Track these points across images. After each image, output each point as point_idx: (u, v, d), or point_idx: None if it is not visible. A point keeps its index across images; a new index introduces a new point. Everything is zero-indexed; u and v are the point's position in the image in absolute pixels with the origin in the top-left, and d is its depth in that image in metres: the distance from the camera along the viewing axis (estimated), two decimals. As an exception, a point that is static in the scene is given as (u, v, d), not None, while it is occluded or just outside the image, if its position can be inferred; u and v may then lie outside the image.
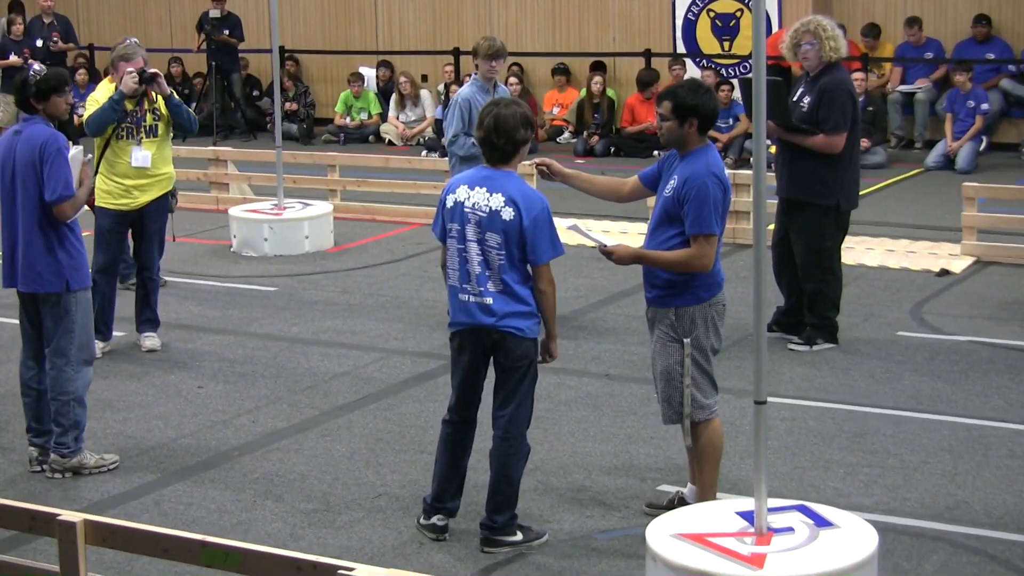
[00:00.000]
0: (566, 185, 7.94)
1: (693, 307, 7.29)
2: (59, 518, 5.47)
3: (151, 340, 11.01)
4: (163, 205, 10.89)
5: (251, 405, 9.70)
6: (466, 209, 7.10)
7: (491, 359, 7.29)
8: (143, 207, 10.73)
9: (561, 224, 8.11)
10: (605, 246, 7.33)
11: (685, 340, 7.31)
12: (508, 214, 7.04)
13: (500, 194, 7.07)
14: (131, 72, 10.42)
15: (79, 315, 8.37)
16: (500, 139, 7.13)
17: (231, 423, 9.35)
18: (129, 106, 10.56)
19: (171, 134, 10.87)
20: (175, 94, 10.94)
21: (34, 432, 8.59)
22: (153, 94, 10.63)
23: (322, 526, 7.66)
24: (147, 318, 11.05)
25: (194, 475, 8.45)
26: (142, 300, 11.01)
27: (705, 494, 7.49)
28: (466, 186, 7.17)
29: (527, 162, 8.08)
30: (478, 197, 7.10)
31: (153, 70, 10.63)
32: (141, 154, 10.59)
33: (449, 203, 7.19)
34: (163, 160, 10.79)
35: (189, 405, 9.73)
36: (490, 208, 7.06)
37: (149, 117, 10.63)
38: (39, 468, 8.53)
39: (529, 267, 7.14)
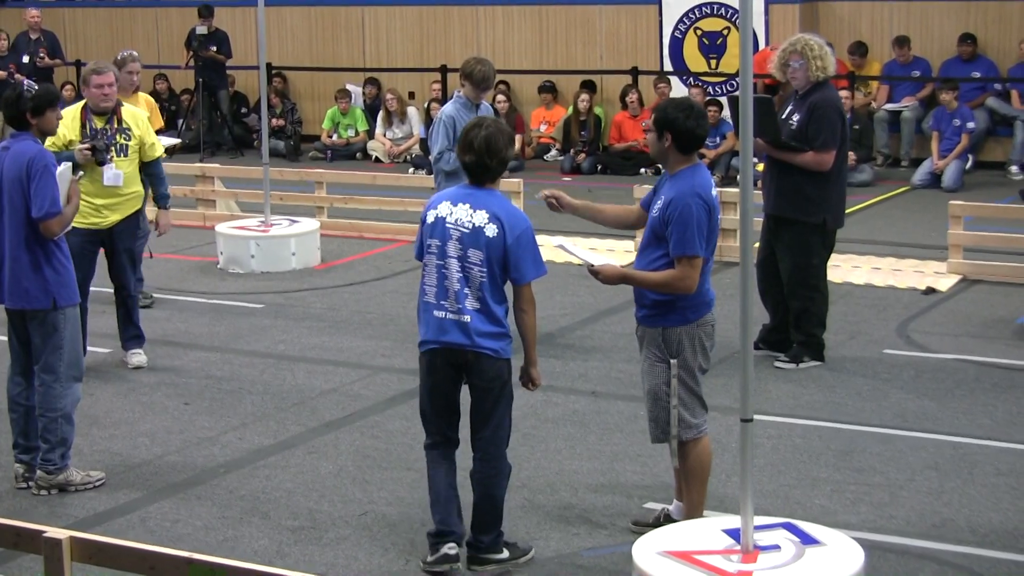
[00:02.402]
0: (576, 216, 7.92)
1: (680, 327, 7.28)
2: (45, 535, 5.46)
3: (138, 357, 11.00)
4: (133, 224, 10.89)
5: (237, 422, 9.69)
6: (448, 225, 7.06)
7: (462, 379, 7.23)
8: (113, 226, 10.72)
9: (549, 242, 8.13)
10: (593, 265, 7.34)
11: (672, 360, 7.31)
12: (492, 231, 7.01)
13: (484, 211, 7.04)
14: (85, 148, 10.38)
15: (67, 332, 8.36)
16: (492, 160, 7.08)
17: (217, 440, 9.34)
18: (99, 124, 10.55)
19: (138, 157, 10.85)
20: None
21: (20, 448, 8.58)
22: (123, 113, 10.64)
23: (309, 543, 7.65)
24: (132, 335, 11.04)
25: (180, 492, 8.44)
26: (124, 318, 11.00)
27: (692, 512, 7.49)
28: (448, 202, 7.12)
29: (539, 195, 8.02)
30: (461, 213, 7.06)
31: (110, 157, 10.61)
32: (112, 173, 10.57)
33: (430, 219, 7.13)
34: (133, 179, 10.79)
35: (175, 422, 9.72)
36: (473, 224, 7.02)
37: (120, 137, 10.61)
38: (25, 485, 8.51)
39: (511, 286, 7.12)
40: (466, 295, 7.02)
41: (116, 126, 10.60)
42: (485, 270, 7.01)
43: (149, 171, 10.92)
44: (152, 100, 13.12)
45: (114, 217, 10.69)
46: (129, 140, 10.66)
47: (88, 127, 10.53)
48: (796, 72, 10.41)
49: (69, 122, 10.45)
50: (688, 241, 7.11)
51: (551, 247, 8.00)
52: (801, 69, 10.37)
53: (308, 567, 7.25)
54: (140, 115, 10.91)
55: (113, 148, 10.60)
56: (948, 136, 18.70)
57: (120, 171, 10.60)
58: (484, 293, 7.03)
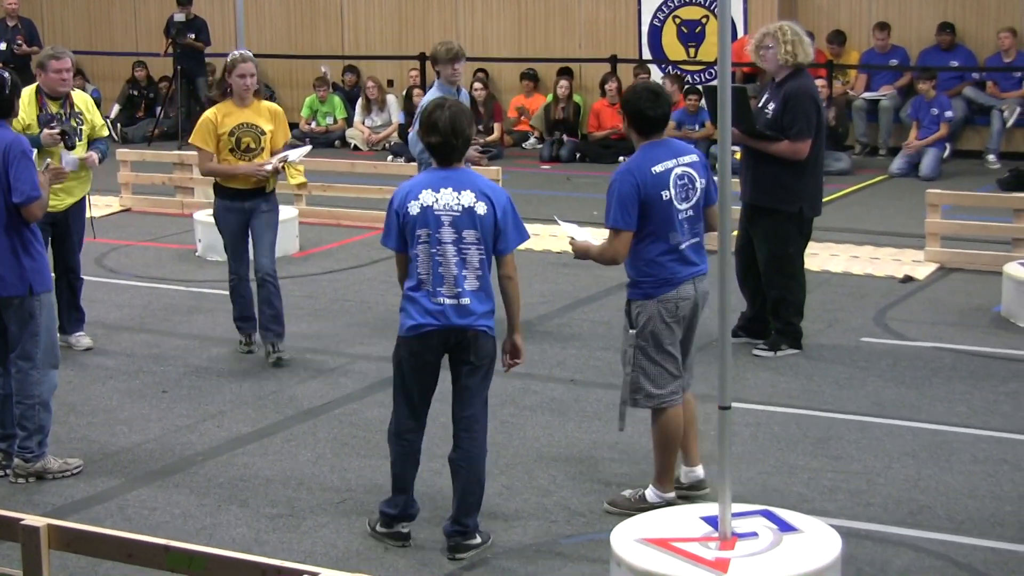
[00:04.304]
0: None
1: (642, 301, 7.56)
2: (23, 522, 5.46)
3: (86, 339, 11.13)
4: (82, 207, 10.95)
5: (216, 410, 9.68)
6: (437, 211, 7.05)
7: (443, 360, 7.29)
8: (67, 209, 10.74)
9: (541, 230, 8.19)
10: (573, 239, 7.81)
11: (631, 331, 7.58)
12: (482, 209, 7.06)
13: (469, 191, 7.07)
14: (54, 133, 10.34)
15: (43, 318, 8.33)
16: (458, 140, 7.12)
17: (196, 428, 9.33)
18: (54, 108, 10.50)
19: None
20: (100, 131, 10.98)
21: (-3, 437, 8.56)
22: (74, 98, 10.66)
23: (287, 531, 7.65)
24: (76, 318, 11.14)
25: (159, 480, 8.43)
26: (69, 301, 11.02)
27: (659, 479, 7.75)
28: (429, 190, 7.10)
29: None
30: (447, 198, 7.06)
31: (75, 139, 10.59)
32: (70, 158, 10.56)
33: (413, 210, 7.08)
34: (83, 163, 10.82)
35: (154, 410, 9.71)
36: (463, 206, 7.04)
37: (73, 121, 10.61)
38: (2, 473, 8.49)
39: (495, 256, 7.17)
40: (465, 277, 7.07)
41: (69, 110, 10.60)
42: (482, 247, 7.08)
43: (95, 146, 10.87)
44: (280, 111, 10.99)
45: (69, 200, 10.75)
46: (82, 124, 10.69)
47: (44, 111, 10.50)
48: (767, 55, 10.45)
49: (26, 106, 10.39)
50: (610, 214, 7.49)
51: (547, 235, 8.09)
52: (771, 52, 10.41)
53: (286, 554, 7.24)
54: (89, 99, 10.98)
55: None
56: (926, 125, 18.75)
57: (76, 156, 10.61)
58: (483, 271, 7.11)
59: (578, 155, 20.77)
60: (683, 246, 7.55)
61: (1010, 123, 19.26)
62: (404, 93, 21.82)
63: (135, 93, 24.24)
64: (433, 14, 22.85)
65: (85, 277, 11.38)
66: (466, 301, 7.08)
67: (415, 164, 11.32)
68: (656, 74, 20.97)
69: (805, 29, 10.77)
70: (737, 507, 6.94)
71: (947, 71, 19.70)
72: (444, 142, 7.12)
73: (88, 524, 6.32)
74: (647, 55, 21.32)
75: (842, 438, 8.91)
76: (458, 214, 7.05)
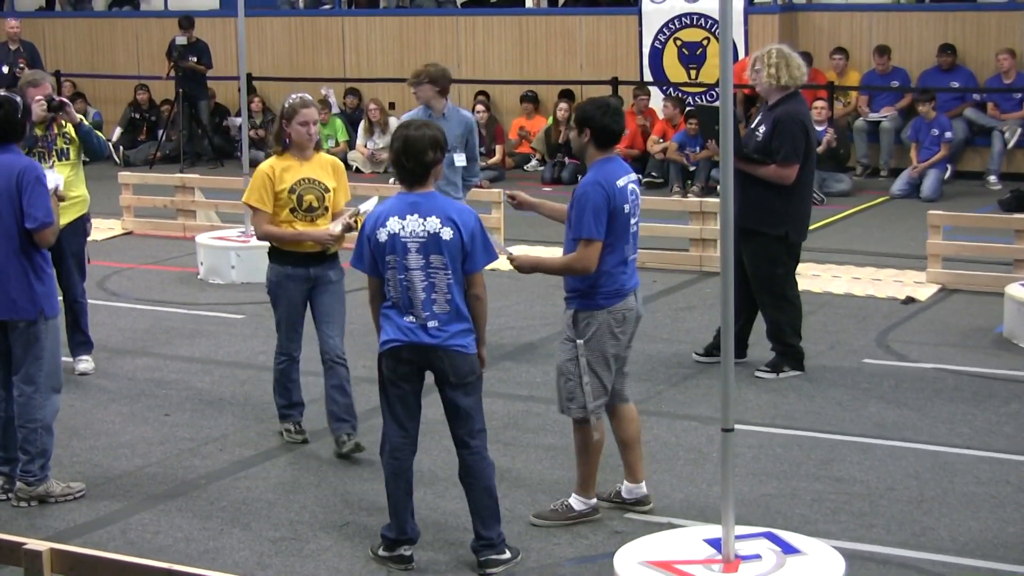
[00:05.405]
0: (535, 213, 8.11)
1: (591, 312, 7.67)
2: (25, 547, 5.46)
3: (85, 363, 11.07)
4: (79, 228, 10.87)
5: (218, 433, 9.68)
6: (403, 238, 7.15)
7: (423, 380, 7.35)
8: (60, 231, 10.64)
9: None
10: (511, 254, 7.84)
11: (579, 341, 7.67)
12: (448, 234, 7.14)
13: (435, 216, 7.16)
14: (39, 100, 10.27)
15: (48, 342, 8.34)
16: (409, 162, 7.21)
17: (198, 451, 9.33)
18: (39, 131, 10.48)
19: (82, 157, 10.80)
20: (84, 120, 10.80)
21: (0, 460, 8.55)
22: (61, 119, 10.58)
23: (290, 554, 7.64)
24: (80, 342, 11.07)
25: (161, 503, 8.43)
26: (71, 325, 10.91)
27: (582, 487, 7.94)
28: (396, 217, 7.20)
29: (498, 190, 8.20)
30: (413, 225, 7.16)
31: (60, 98, 10.52)
32: (54, 177, 10.50)
33: (381, 237, 7.21)
34: (76, 183, 10.74)
35: (156, 433, 9.71)
36: (428, 232, 7.14)
37: (60, 141, 10.57)
38: (4, 497, 8.48)
39: (464, 276, 7.24)
40: (433, 301, 7.16)
41: (56, 131, 10.56)
42: (449, 272, 7.15)
43: (79, 133, 10.72)
44: (340, 164, 9.52)
45: (60, 222, 10.62)
46: (70, 144, 10.64)
47: (29, 135, 10.46)
48: (755, 77, 10.55)
49: None
50: (584, 224, 7.53)
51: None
52: (758, 75, 10.50)
53: (289, 578, 7.25)
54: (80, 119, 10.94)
55: (55, 153, 10.57)
56: (927, 146, 18.77)
57: (61, 176, 10.53)
58: (452, 293, 7.17)
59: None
60: (630, 259, 7.73)
61: (1011, 144, 19.28)
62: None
63: (137, 116, 24.26)
64: (434, 36, 22.89)
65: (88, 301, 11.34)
66: (433, 324, 7.17)
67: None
68: (657, 96, 21.00)
69: (800, 51, 10.78)
70: (740, 529, 6.94)
71: (947, 92, 19.73)
72: (395, 161, 7.28)
73: (91, 548, 6.33)
74: (648, 77, 21.35)
75: (845, 459, 8.91)
76: (424, 240, 7.14)
